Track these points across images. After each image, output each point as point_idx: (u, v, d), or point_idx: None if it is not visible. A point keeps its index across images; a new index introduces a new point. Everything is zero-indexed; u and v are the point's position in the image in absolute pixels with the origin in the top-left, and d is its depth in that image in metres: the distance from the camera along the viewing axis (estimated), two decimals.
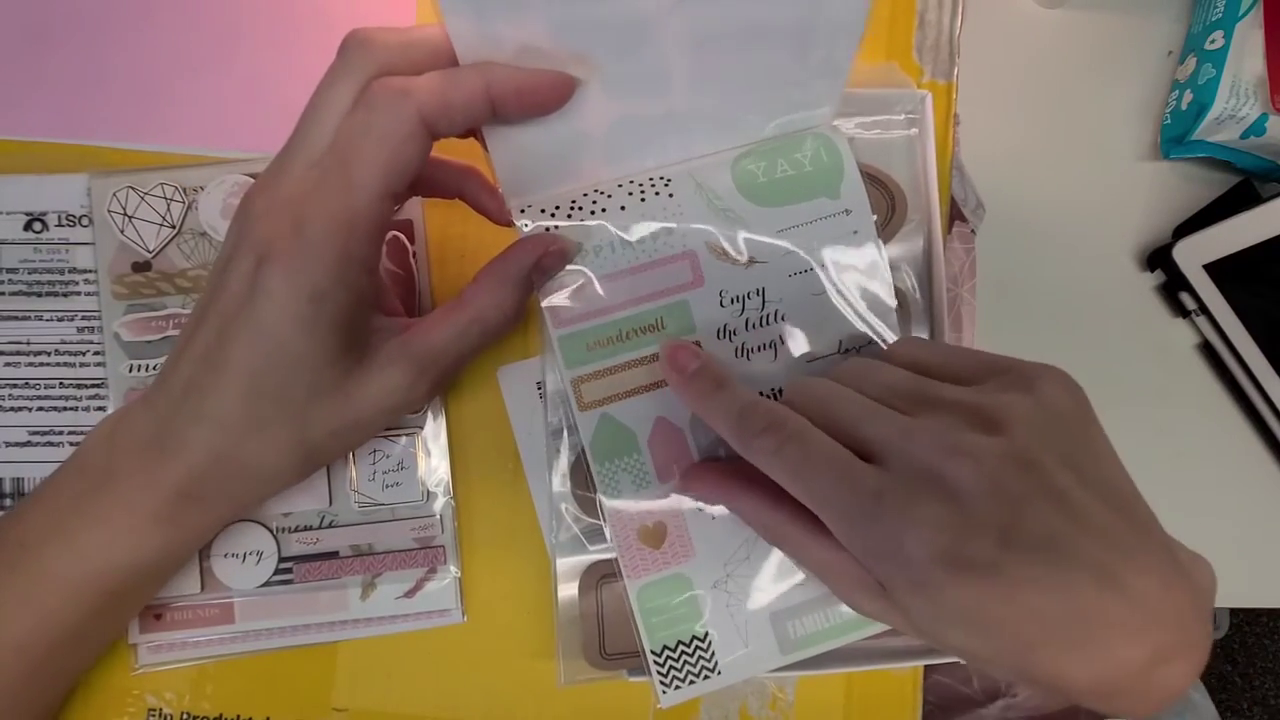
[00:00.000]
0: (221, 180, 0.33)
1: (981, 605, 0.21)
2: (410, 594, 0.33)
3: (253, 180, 0.30)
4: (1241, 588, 0.53)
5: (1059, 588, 0.20)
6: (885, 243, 0.31)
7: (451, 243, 0.34)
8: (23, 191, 0.33)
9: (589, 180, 0.29)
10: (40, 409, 0.33)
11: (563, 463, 0.31)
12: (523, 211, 0.29)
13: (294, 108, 0.25)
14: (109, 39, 0.34)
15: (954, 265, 0.47)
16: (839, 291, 0.30)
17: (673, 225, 0.29)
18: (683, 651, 0.29)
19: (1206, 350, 0.54)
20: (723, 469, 0.29)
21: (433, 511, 0.33)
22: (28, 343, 0.33)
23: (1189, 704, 0.53)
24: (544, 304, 0.29)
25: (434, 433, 0.33)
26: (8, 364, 0.33)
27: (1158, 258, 0.53)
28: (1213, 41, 0.51)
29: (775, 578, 0.30)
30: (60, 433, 0.33)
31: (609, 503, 0.29)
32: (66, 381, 0.33)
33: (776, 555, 0.30)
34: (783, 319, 0.30)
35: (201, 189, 0.33)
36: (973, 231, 0.48)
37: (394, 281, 0.33)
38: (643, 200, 0.29)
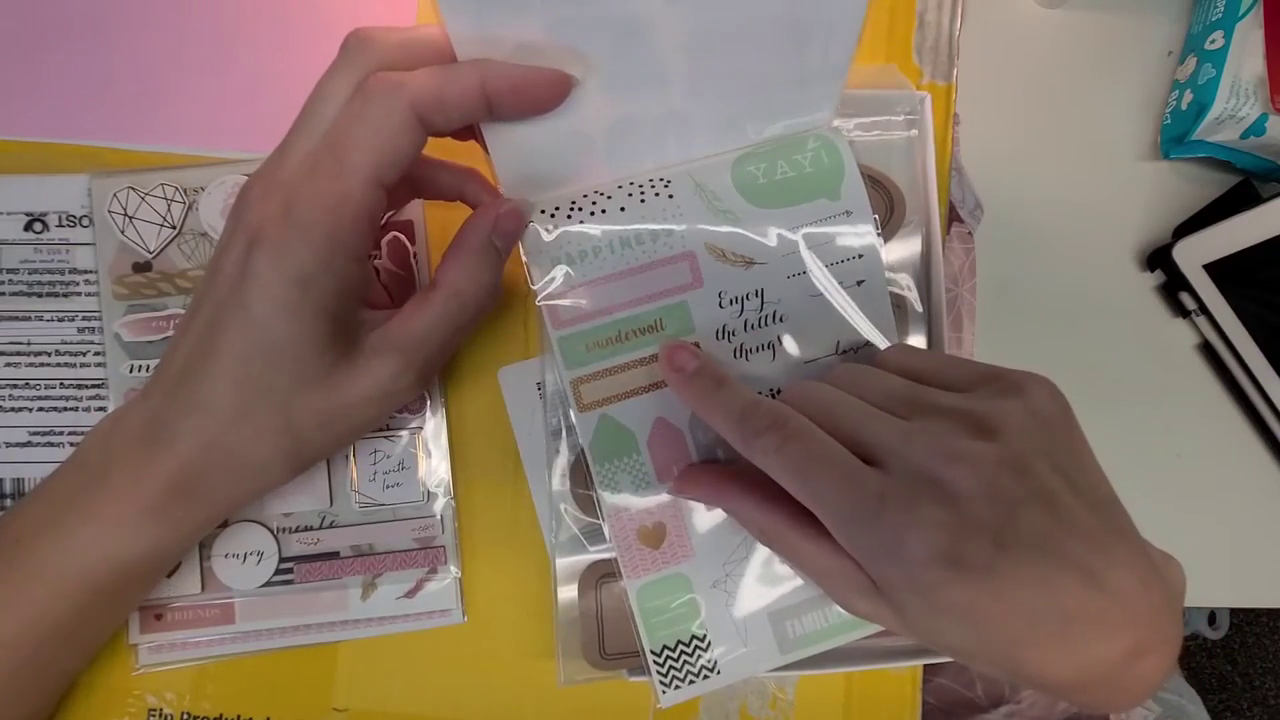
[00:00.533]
0: (222, 180, 0.33)
1: (975, 603, 0.21)
2: (410, 594, 0.33)
3: None
4: (1241, 588, 0.53)
5: (1047, 586, 0.21)
6: (884, 243, 0.31)
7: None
8: (23, 192, 0.33)
9: (589, 181, 0.30)
10: (41, 409, 0.33)
11: (562, 463, 0.31)
12: None
13: (294, 108, 0.25)
14: (109, 39, 0.34)
15: (954, 265, 0.47)
16: (838, 293, 0.30)
17: (672, 226, 0.29)
18: (682, 651, 0.29)
19: (1206, 350, 0.54)
20: (718, 471, 0.29)
21: (433, 512, 0.33)
22: (28, 343, 0.33)
23: (1183, 714, 0.53)
24: (542, 304, 0.29)
25: (434, 433, 0.33)
26: (8, 364, 0.33)
27: (1158, 258, 0.53)
28: (1213, 41, 0.51)
29: (774, 577, 0.30)
30: (60, 433, 0.33)
31: (608, 503, 0.29)
32: (67, 382, 0.33)
33: (775, 555, 0.30)
34: (781, 320, 0.30)
35: (202, 189, 0.33)
36: (970, 233, 0.48)
37: (394, 281, 0.33)
38: (642, 201, 0.29)
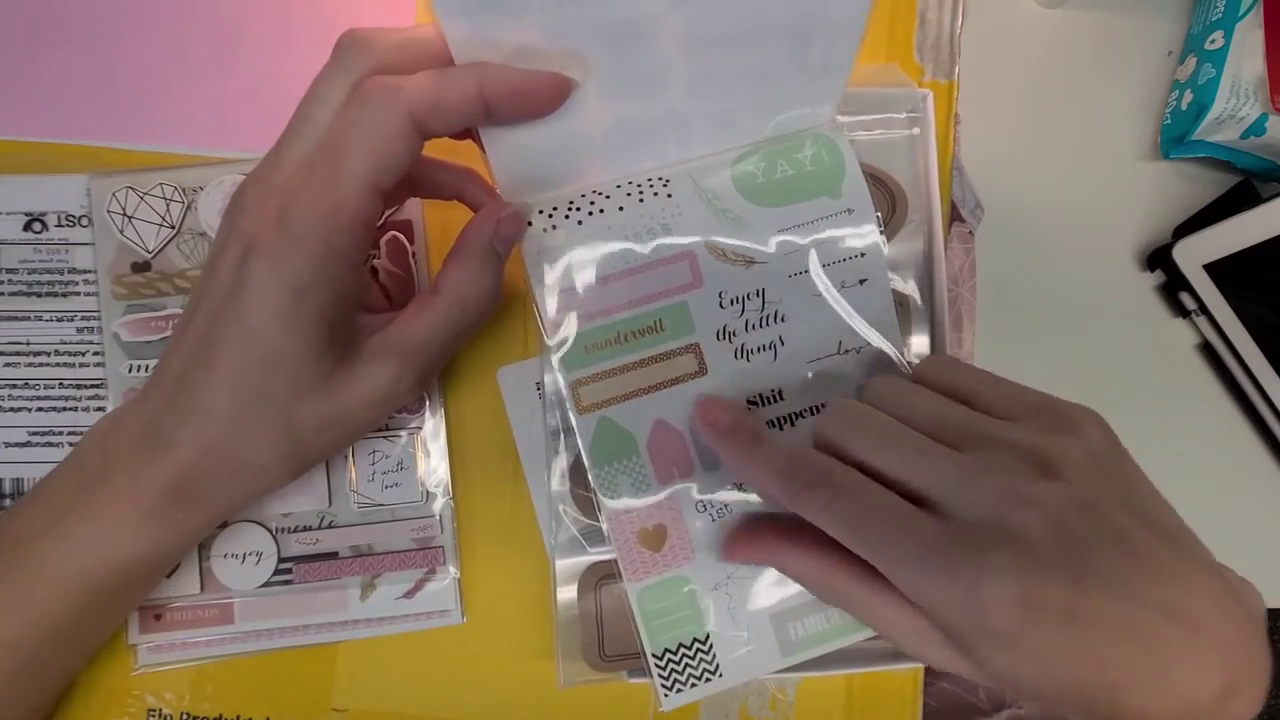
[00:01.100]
0: (221, 180, 0.33)
1: (1060, 649, 0.21)
2: (410, 594, 0.33)
3: None
4: None
5: (1135, 629, 0.20)
6: (886, 242, 0.31)
7: (451, 243, 0.34)
8: (22, 192, 0.33)
9: (587, 182, 0.29)
10: (40, 409, 0.33)
11: (562, 463, 0.31)
12: None
13: (293, 109, 0.25)
14: (109, 39, 0.34)
15: (954, 264, 0.47)
16: (840, 292, 0.30)
17: (671, 226, 0.29)
18: (684, 654, 0.29)
19: (1206, 350, 0.54)
20: (766, 530, 0.28)
21: (432, 512, 0.33)
22: (27, 343, 0.33)
23: None
24: (541, 305, 0.29)
25: (433, 433, 0.33)
26: (7, 364, 0.33)
27: (1158, 258, 0.53)
28: (1213, 41, 0.51)
29: (776, 580, 0.30)
30: (60, 433, 0.33)
31: (608, 505, 0.29)
32: (66, 382, 0.33)
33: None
34: (783, 320, 0.30)
35: (201, 189, 0.33)
36: (971, 232, 0.48)
37: (393, 281, 0.33)
38: (641, 201, 0.29)
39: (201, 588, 0.32)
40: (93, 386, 0.33)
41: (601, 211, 0.29)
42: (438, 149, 0.29)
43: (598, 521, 0.30)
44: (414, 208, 0.34)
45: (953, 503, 0.23)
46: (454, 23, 0.23)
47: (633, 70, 0.26)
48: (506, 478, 0.34)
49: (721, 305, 0.30)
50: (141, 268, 0.33)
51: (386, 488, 0.33)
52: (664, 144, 0.29)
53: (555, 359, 0.29)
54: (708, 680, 0.29)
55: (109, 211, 0.33)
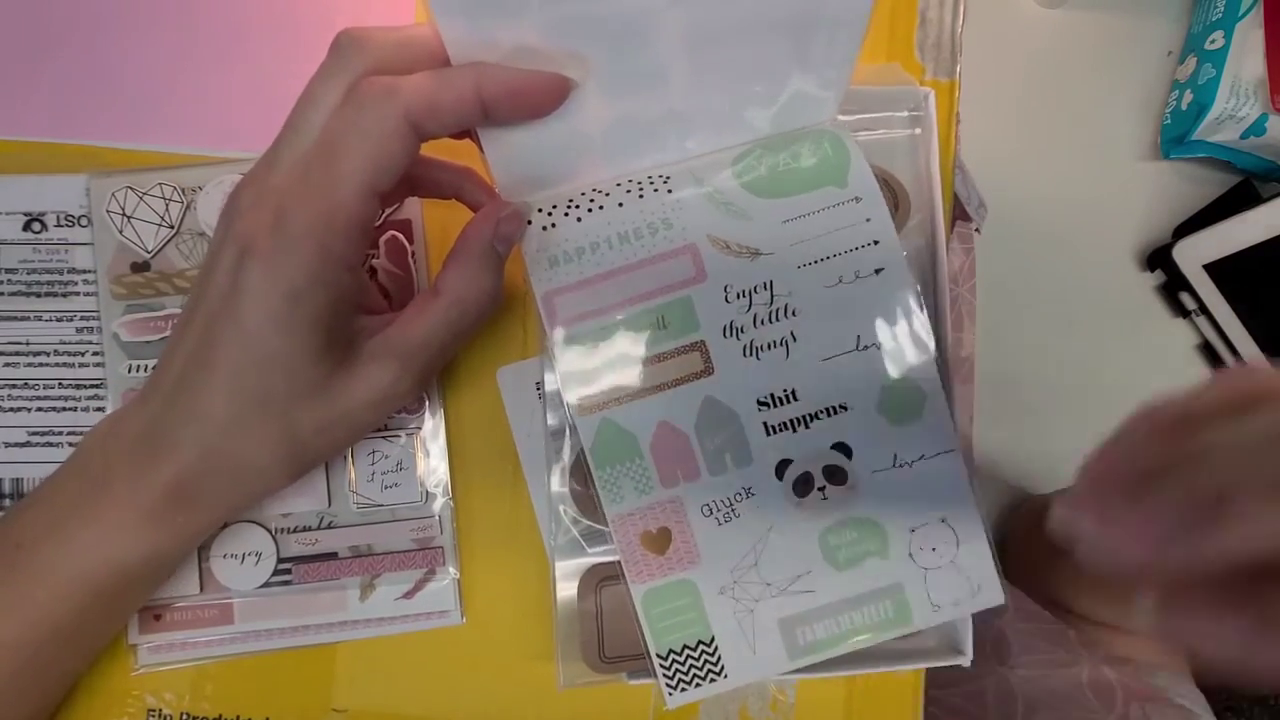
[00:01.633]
0: (220, 180, 0.33)
1: None
2: (409, 595, 0.33)
3: None
4: None
5: None
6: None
7: (450, 243, 0.34)
8: (22, 191, 0.33)
9: (587, 180, 0.29)
10: (39, 409, 0.33)
11: (562, 464, 0.30)
12: None
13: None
14: (109, 39, 0.34)
15: (953, 264, 0.47)
16: (854, 283, 0.29)
17: (672, 220, 0.29)
18: (689, 655, 0.29)
19: (1206, 350, 0.54)
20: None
21: (432, 512, 0.33)
22: (27, 343, 0.33)
23: (1188, 715, 0.53)
24: (541, 304, 0.29)
25: (433, 433, 0.33)
26: (7, 364, 0.33)
27: (1158, 258, 0.53)
28: (1213, 41, 0.51)
29: (784, 585, 0.29)
30: (59, 433, 0.33)
31: (611, 508, 0.29)
32: (66, 382, 0.33)
33: (786, 562, 0.29)
34: (794, 314, 0.29)
35: (200, 189, 0.33)
36: (977, 230, 0.47)
37: (392, 281, 0.33)
38: (641, 197, 0.29)
39: (201, 588, 0.32)
40: (92, 386, 0.33)
41: (601, 209, 0.29)
42: (436, 148, 0.29)
43: (598, 522, 0.30)
44: (413, 207, 0.34)
45: None
46: (451, 22, 0.23)
47: (632, 69, 0.26)
48: (506, 478, 0.33)
49: (727, 299, 0.29)
50: (141, 268, 0.33)
51: (386, 488, 0.33)
52: (664, 142, 0.29)
53: (555, 358, 0.29)
54: (713, 680, 0.29)
55: (108, 211, 0.33)
